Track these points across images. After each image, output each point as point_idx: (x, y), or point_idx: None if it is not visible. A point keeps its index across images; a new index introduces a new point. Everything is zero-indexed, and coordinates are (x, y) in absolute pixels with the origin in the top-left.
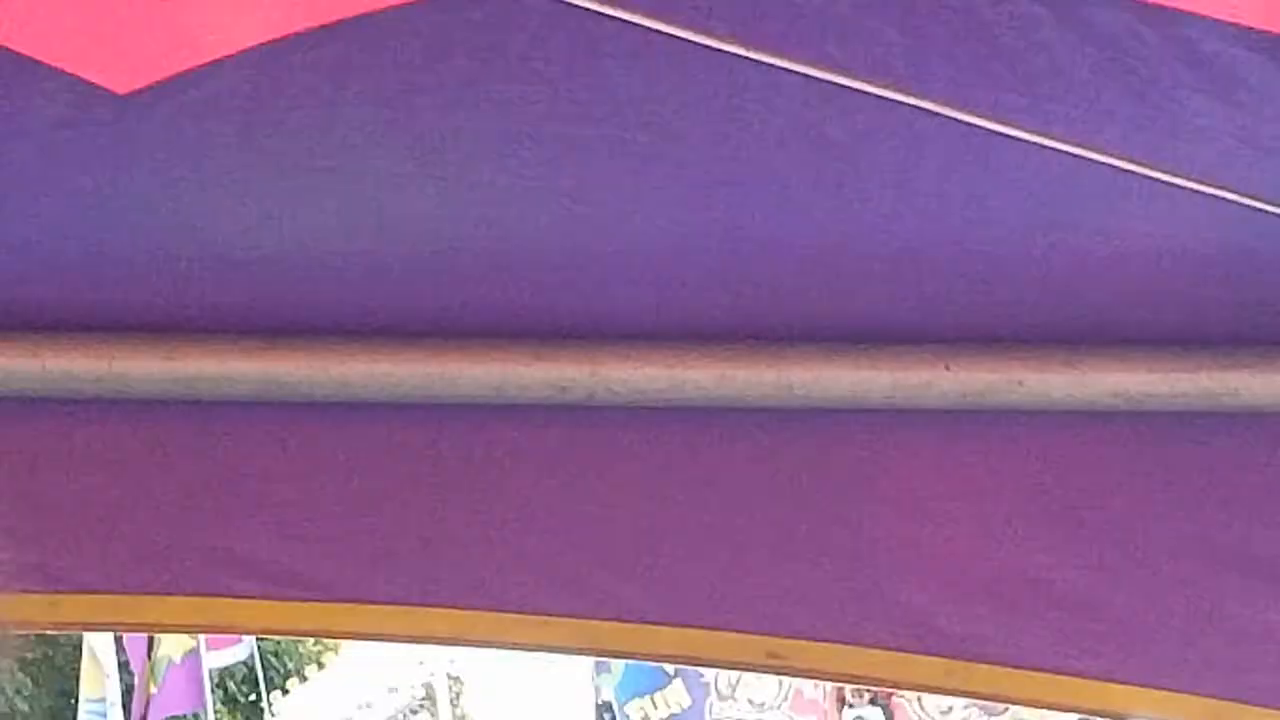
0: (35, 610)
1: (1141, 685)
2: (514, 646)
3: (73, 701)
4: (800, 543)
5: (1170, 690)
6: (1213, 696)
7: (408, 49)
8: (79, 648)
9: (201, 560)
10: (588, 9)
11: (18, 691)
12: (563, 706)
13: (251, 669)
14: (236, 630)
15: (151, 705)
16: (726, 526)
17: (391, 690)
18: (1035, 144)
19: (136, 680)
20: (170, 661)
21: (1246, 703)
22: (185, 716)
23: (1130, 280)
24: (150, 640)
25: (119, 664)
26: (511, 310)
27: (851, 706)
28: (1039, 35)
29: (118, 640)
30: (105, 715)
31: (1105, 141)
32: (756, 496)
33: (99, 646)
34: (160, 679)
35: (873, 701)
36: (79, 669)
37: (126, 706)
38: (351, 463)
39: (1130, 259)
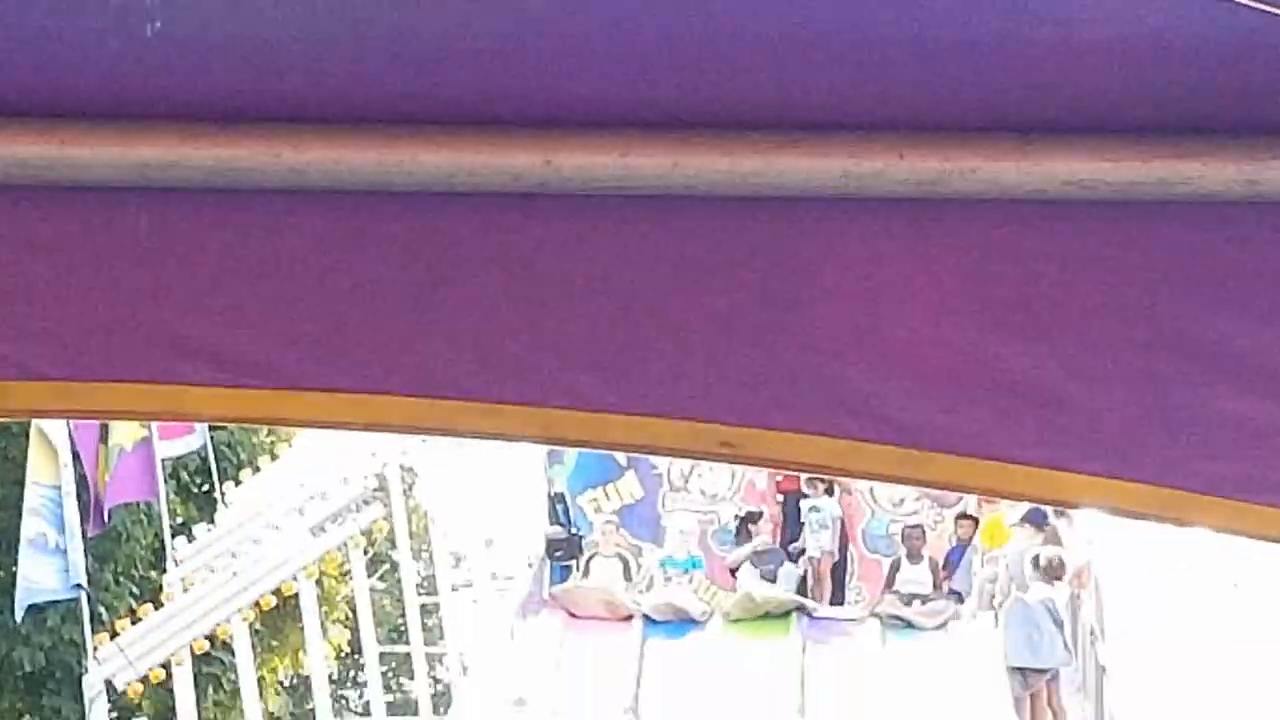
0: None
1: (1092, 474)
2: (467, 434)
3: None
4: (753, 331)
5: (1120, 479)
6: (1163, 485)
7: None
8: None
9: (154, 347)
10: None
11: None
12: (515, 499)
13: (205, 459)
14: (189, 418)
15: (105, 492)
16: (679, 315)
17: (344, 481)
18: None
19: (88, 469)
20: (122, 450)
21: (1196, 491)
22: (138, 505)
23: (1084, 69)
24: (102, 429)
25: (71, 454)
26: (464, 98)
27: (807, 496)
28: None
29: (70, 429)
30: (58, 502)
31: None
32: (709, 285)
33: (53, 433)
34: (112, 467)
35: (828, 492)
36: None
37: (80, 496)
38: (304, 251)
39: (1084, 48)
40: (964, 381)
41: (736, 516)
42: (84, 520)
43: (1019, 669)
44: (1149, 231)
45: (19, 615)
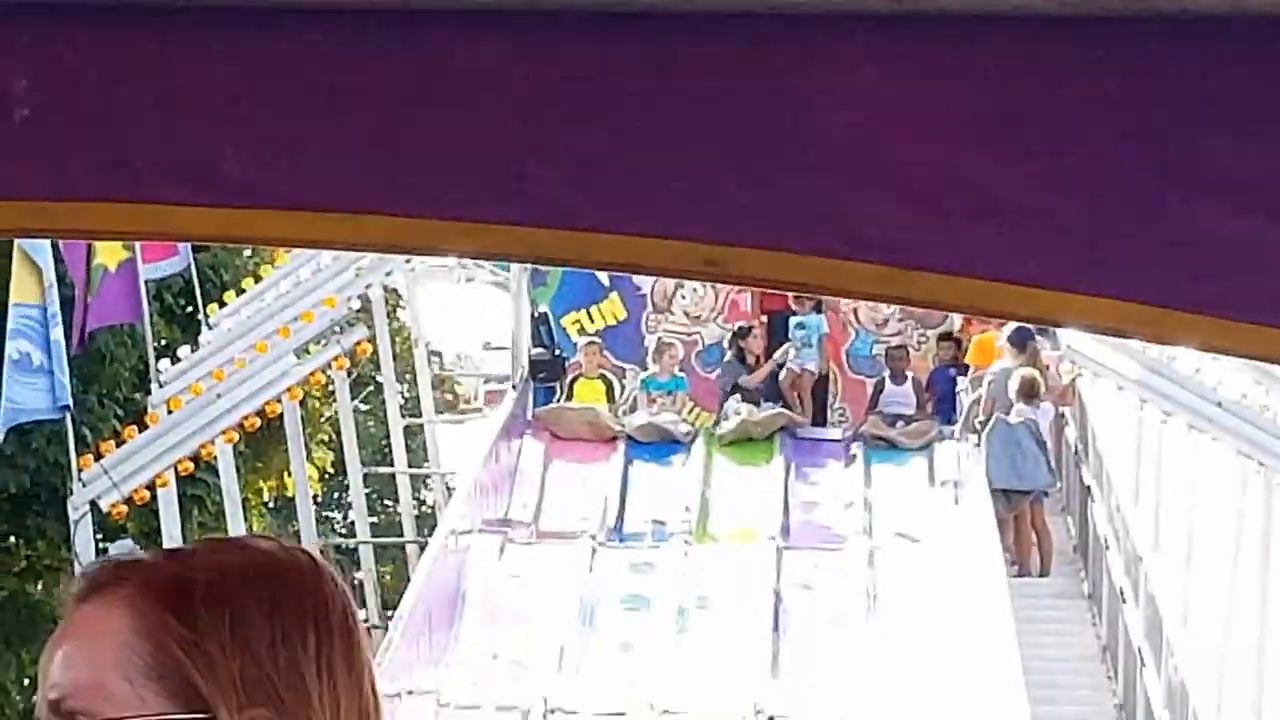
0: None
1: (1077, 292)
2: (451, 253)
3: None
4: (739, 149)
5: (1105, 297)
6: (1147, 304)
7: None
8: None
9: (135, 167)
10: None
11: None
12: (499, 320)
13: (188, 281)
14: (171, 237)
15: (88, 314)
16: (665, 131)
17: (327, 302)
18: None
19: (76, 291)
20: (106, 270)
21: (1181, 310)
22: (121, 327)
23: None
24: (89, 249)
25: (57, 276)
26: None
27: (795, 314)
28: None
29: (55, 250)
30: (43, 323)
31: None
32: (696, 101)
33: (38, 255)
34: (96, 288)
35: (816, 309)
36: None
37: (67, 319)
38: (288, 68)
39: None
40: (950, 199)
41: (729, 330)
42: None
43: (1002, 490)
44: (1137, 48)
45: (1, 436)
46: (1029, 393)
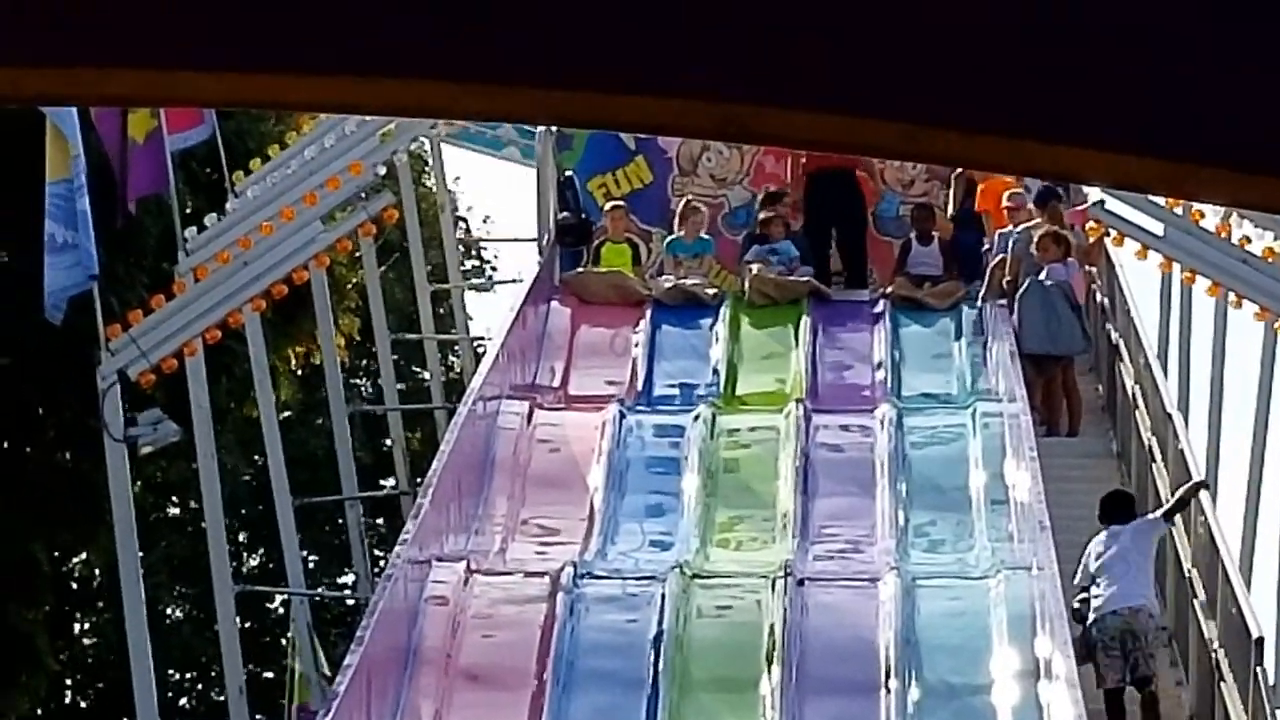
0: None
1: (1100, 149)
2: (476, 117)
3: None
4: (760, 5)
5: (1129, 153)
6: (1171, 159)
7: None
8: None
9: (160, 31)
10: None
11: None
12: (525, 185)
13: (214, 148)
14: (196, 103)
15: (127, 188)
16: None
17: (353, 168)
18: None
19: (113, 160)
20: (134, 143)
21: (1205, 164)
22: (149, 198)
23: None
24: (123, 120)
25: (84, 147)
26: None
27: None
28: None
29: (85, 120)
30: (68, 197)
31: None
32: None
33: (65, 125)
34: (129, 161)
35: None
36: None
37: (94, 189)
38: None
39: None
40: (973, 55)
41: (759, 193)
42: (109, 212)
43: (1033, 355)
44: None
45: (56, 318)
46: (1058, 251)
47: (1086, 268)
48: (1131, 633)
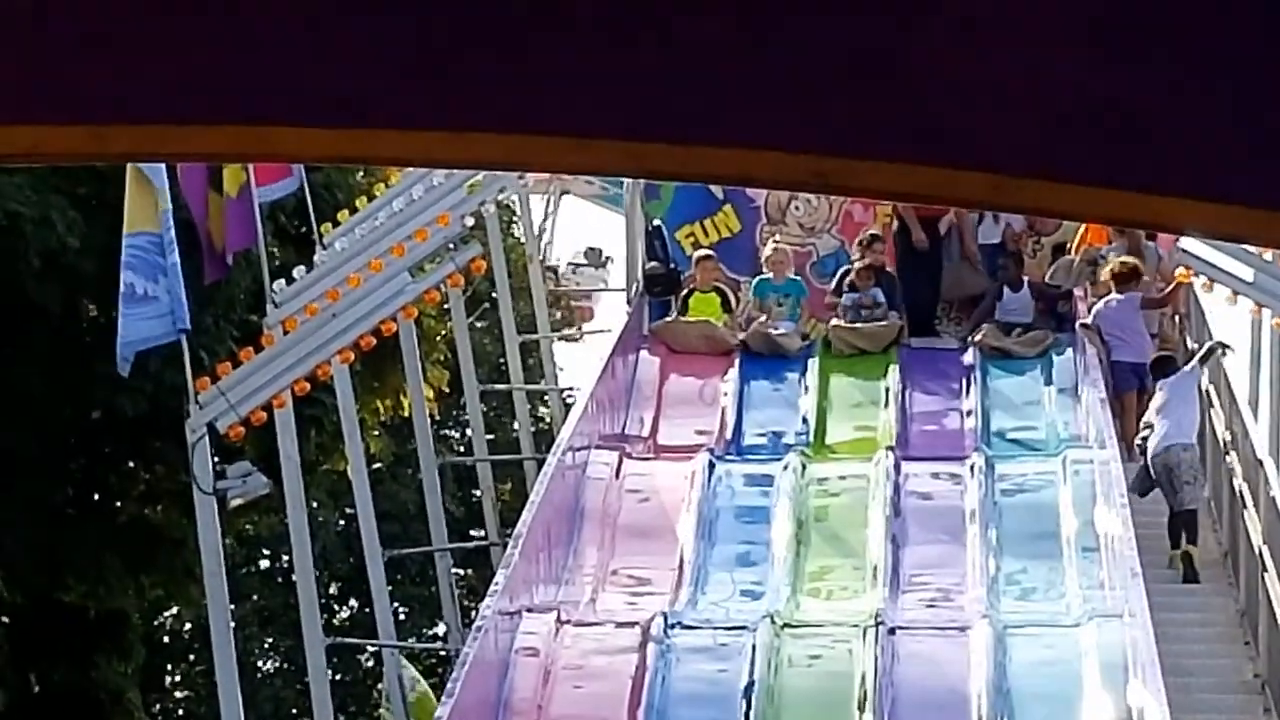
0: (80, 142)
1: (1186, 197)
2: (561, 170)
3: None
4: (848, 60)
5: (1216, 201)
6: (1258, 207)
7: None
8: None
9: (246, 88)
10: None
11: (69, 229)
12: (614, 231)
13: (301, 201)
14: (285, 158)
15: (225, 241)
16: (772, 43)
17: (440, 220)
18: None
19: (196, 216)
20: (227, 197)
21: None
22: (239, 252)
23: None
24: (213, 176)
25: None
26: None
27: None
28: None
29: (171, 174)
30: (151, 251)
31: None
32: (801, 13)
33: (155, 178)
34: (224, 215)
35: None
36: None
37: (183, 243)
38: None
39: None
40: (1057, 105)
41: (859, 243)
42: (200, 267)
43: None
44: None
45: (125, 369)
46: (1127, 277)
47: (1168, 313)
48: (1168, 467)
